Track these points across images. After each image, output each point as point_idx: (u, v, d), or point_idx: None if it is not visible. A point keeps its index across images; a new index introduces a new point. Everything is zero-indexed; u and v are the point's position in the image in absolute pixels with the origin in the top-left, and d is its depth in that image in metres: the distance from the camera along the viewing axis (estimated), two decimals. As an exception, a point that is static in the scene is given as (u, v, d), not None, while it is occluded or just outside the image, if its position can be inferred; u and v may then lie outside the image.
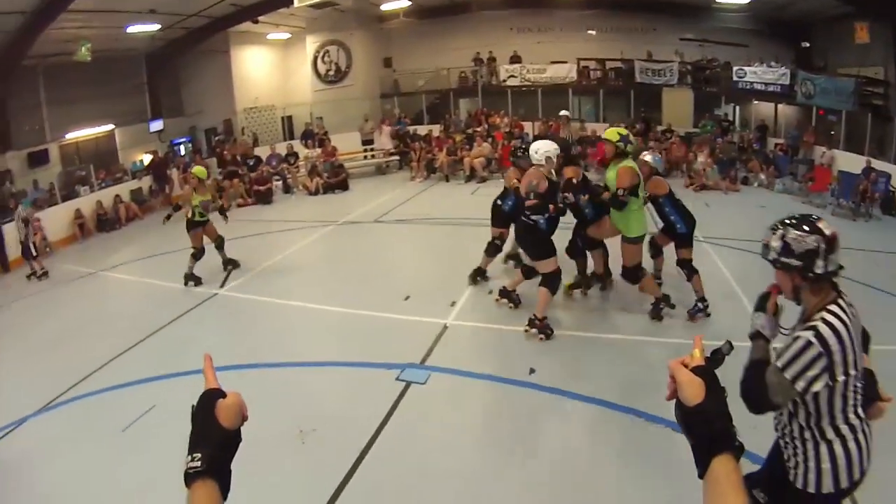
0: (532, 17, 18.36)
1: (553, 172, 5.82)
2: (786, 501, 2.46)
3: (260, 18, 15.90)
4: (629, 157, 5.87)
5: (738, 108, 16.82)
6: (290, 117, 18.83)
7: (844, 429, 2.28)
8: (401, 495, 3.85)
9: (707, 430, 1.15)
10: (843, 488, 2.30)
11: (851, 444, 2.28)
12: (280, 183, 14.72)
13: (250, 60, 18.59)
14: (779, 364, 2.22)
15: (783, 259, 2.30)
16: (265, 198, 13.76)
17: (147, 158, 15.89)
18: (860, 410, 2.30)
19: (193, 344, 6.40)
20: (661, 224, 6.29)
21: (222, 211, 9.06)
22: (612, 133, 5.91)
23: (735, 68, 14.96)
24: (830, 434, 2.29)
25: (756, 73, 14.46)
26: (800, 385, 2.18)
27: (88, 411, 5.32)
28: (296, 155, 15.22)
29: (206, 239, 8.41)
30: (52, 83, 15.80)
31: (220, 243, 8.62)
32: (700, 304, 6.06)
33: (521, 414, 4.65)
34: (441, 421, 4.64)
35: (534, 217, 5.69)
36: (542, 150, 5.79)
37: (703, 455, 1.14)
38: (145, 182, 15.34)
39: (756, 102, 15.37)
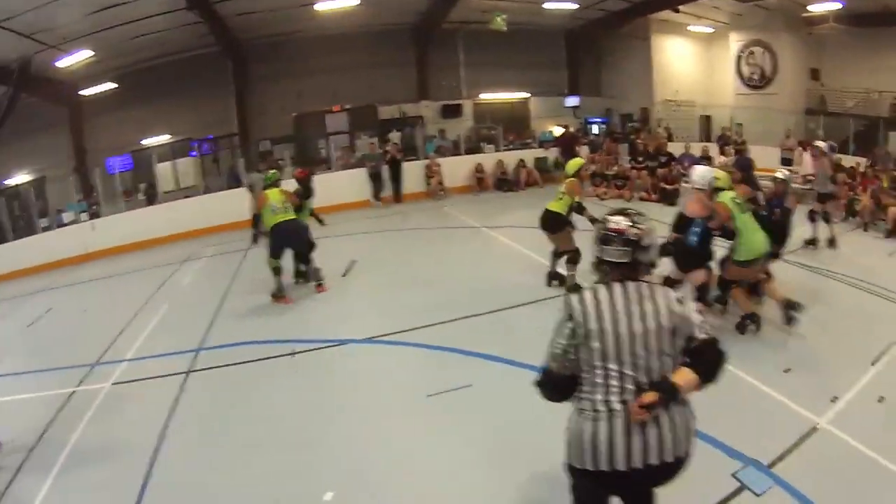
0: None
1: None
2: None
3: (681, 8, 15.06)
4: None
5: None
6: (708, 117, 17.28)
7: (599, 409, 2.44)
8: None
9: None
10: (586, 469, 2.46)
11: (601, 427, 2.41)
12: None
13: (671, 51, 17.75)
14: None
15: None
16: (670, 197, 12.70)
17: (558, 131, 16.13)
18: (614, 399, 2.42)
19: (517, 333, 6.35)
20: None
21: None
22: None
23: None
24: (584, 406, 2.49)
25: None
26: (556, 349, 2.54)
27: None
28: (709, 159, 13.63)
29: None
30: (472, 47, 17.53)
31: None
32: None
33: None
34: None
35: None
36: None
37: None
38: (552, 153, 15.71)
39: None
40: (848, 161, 13.20)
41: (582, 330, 2.46)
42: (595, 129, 17.94)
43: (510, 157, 15.51)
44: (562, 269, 7.55)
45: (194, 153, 16.67)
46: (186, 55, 15.27)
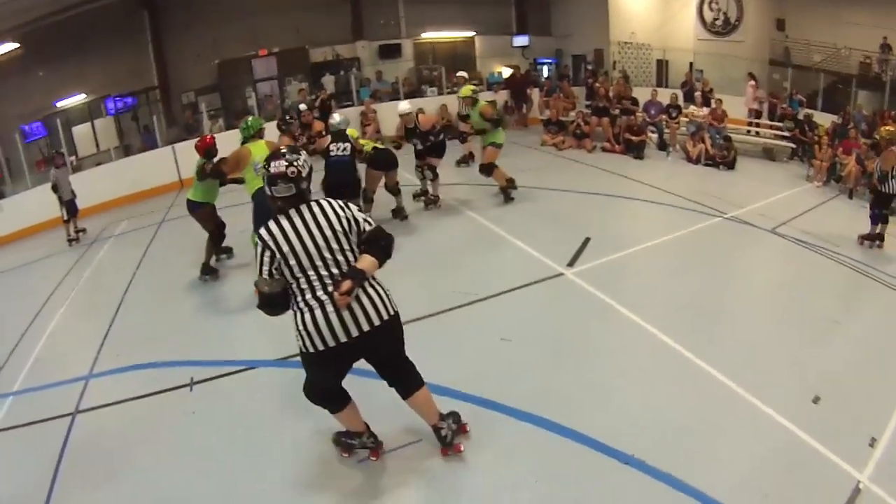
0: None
1: None
2: None
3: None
4: None
5: None
6: (666, 62, 16.01)
7: (312, 304, 3.09)
8: None
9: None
10: (320, 350, 3.13)
11: (317, 314, 3.08)
12: (655, 136, 12.29)
13: None
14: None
15: None
16: (637, 150, 11.58)
17: (507, 72, 14.77)
18: (320, 294, 3.08)
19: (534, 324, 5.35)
20: None
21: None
22: None
23: None
24: (301, 306, 3.12)
25: None
26: (264, 274, 3.09)
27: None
28: (678, 108, 12.50)
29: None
30: None
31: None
32: None
33: None
34: None
35: None
36: None
37: None
38: (501, 96, 14.55)
39: None
40: (820, 119, 12.14)
41: (278, 254, 3.07)
42: (546, 71, 16.65)
43: (454, 102, 13.97)
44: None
45: (112, 112, 14.83)
46: (93, 6, 13.52)
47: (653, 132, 12.39)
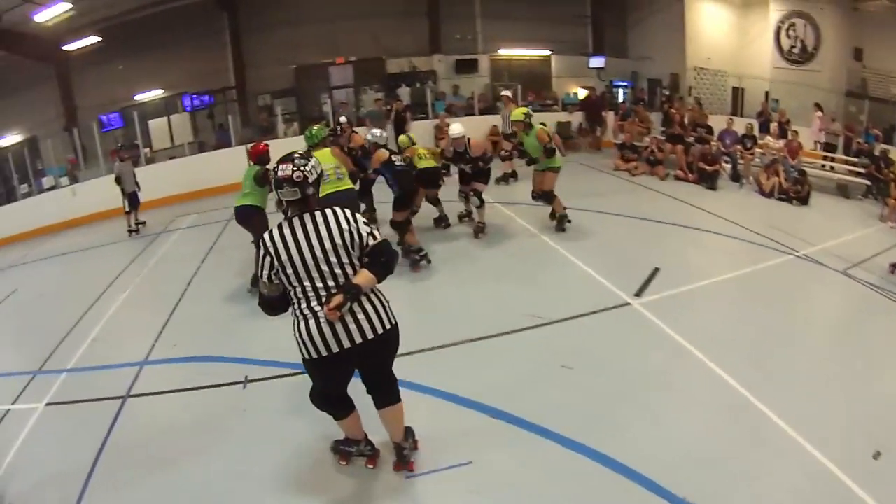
0: None
1: None
2: None
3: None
4: None
5: None
6: (742, 90, 15.77)
7: (307, 313, 3.17)
8: None
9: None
10: (314, 358, 3.22)
11: (311, 325, 3.16)
12: (728, 166, 12.09)
13: (706, 14, 16.18)
14: None
15: None
16: (710, 180, 11.43)
17: (582, 93, 14.86)
18: (314, 305, 3.16)
19: (597, 353, 5.34)
20: None
21: None
22: None
23: None
24: (297, 314, 3.22)
25: None
26: (263, 278, 3.23)
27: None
28: (753, 139, 12.32)
29: None
30: None
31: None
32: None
33: None
34: None
35: None
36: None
37: None
38: (576, 117, 14.55)
39: None
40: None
41: (277, 261, 3.14)
42: (621, 94, 16.57)
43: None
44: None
45: (188, 108, 15.55)
46: (176, 5, 14.29)
47: (727, 162, 12.19)
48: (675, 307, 6.14)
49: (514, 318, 5.86)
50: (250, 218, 6.98)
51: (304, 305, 3.17)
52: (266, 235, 3.18)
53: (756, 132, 12.67)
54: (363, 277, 3.15)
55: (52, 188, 13.30)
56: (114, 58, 14.54)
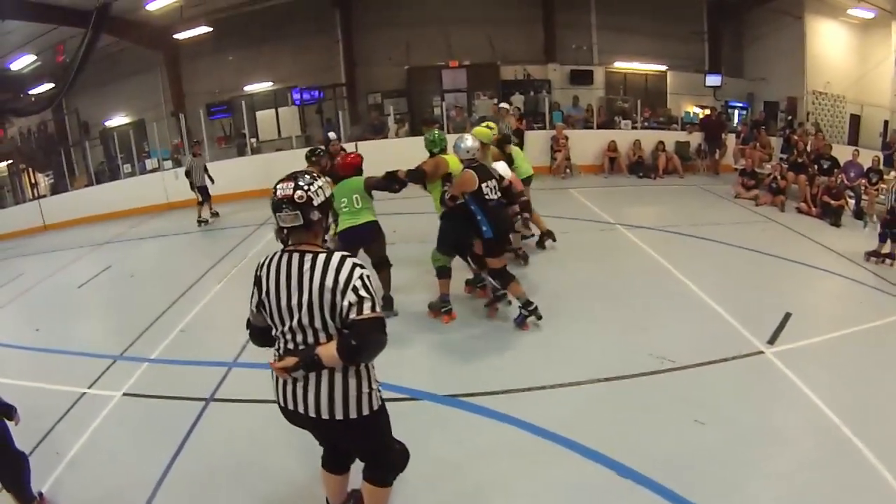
0: None
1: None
2: None
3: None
4: None
5: None
6: (858, 117, 15.18)
7: (275, 356, 2.78)
8: None
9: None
10: (280, 405, 2.82)
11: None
12: (853, 202, 11.25)
13: (826, 35, 15.60)
14: None
15: None
16: (834, 215, 10.58)
17: (700, 112, 14.72)
18: (281, 352, 2.74)
19: (728, 406, 4.75)
20: None
21: None
22: None
23: None
24: (274, 351, 2.83)
25: None
26: (252, 307, 2.87)
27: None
28: (879, 173, 11.41)
29: None
30: (605, 7, 16.21)
31: None
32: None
33: None
34: None
35: None
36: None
37: None
38: (695, 138, 14.30)
39: None
40: None
41: (257, 298, 2.79)
42: (736, 116, 16.17)
43: (647, 138, 14.10)
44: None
45: (297, 102, 16.21)
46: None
47: (850, 197, 11.42)
48: (808, 358, 5.57)
49: (641, 359, 5.42)
50: (377, 235, 6.27)
51: (277, 346, 2.81)
52: (259, 267, 2.79)
53: (881, 166, 11.92)
54: (326, 351, 2.59)
55: (154, 170, 14.17)
56: (225, 48, 15.30)
